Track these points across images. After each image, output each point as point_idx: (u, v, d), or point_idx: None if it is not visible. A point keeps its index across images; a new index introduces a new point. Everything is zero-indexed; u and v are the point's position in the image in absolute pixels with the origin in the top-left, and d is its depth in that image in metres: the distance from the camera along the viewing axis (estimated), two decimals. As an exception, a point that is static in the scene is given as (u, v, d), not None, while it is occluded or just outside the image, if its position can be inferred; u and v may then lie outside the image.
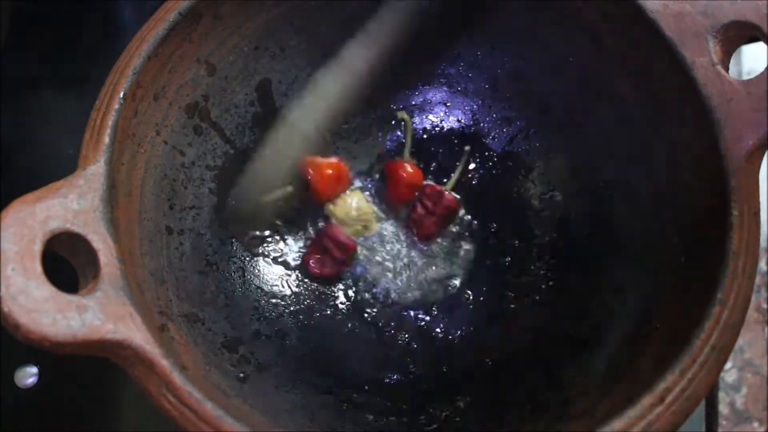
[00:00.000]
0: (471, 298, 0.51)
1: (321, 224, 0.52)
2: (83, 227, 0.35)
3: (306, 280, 0.51)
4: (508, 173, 0.53)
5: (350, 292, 0.52)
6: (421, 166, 0.53)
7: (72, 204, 0.36)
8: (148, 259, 0.42)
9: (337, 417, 0.44)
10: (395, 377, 0.48)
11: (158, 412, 0.35)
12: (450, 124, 0.55)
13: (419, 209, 0.52)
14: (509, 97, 0.53)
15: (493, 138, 0.54)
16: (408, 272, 0.52)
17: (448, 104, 0.55)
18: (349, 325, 0.50)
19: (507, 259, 0.52)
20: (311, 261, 0.51)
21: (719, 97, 0.40)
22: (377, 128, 0.55)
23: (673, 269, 0.42)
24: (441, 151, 0.55)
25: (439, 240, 0.52)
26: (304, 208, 0.52)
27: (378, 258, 0.52)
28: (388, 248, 0.52)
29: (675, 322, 0.40)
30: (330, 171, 0.50)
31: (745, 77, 0.59)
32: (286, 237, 0.52)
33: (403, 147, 0.53)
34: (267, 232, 0.51)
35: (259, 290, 0.49)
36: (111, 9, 0.66)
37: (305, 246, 0.51)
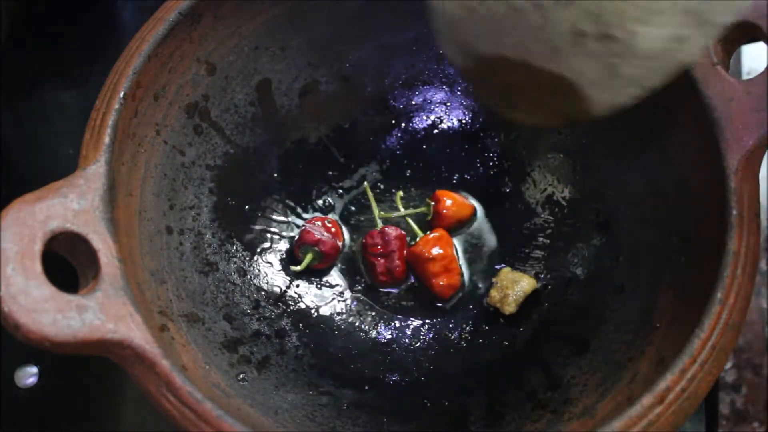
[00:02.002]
0: (471, 298, 0.51)
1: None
2: (83, 227, 0.35)
3: (306, 280, 0.51)
4: (508, 173, 0.53)
5: (352, 294, 0.52)
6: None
7: (72, 204, 0.36)
8: (148, 259, 0.42)
9: (337, 417, 0.44)
10: (395, 377, 0.48)
11: (158, 412, 0.35)
12: (450, 124, 0.55)
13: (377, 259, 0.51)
14: (509, 97, 0.53)
15: (493, 138, 0.54)
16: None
17: (448, 104, 0.55)
18: (350, 325, 0.50)
19: (506, 259, 0.52)
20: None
21: (719, 97, 0.40)
22: (377, 128, 0.55)
23: (673, 269, 0.42)
24: (441, 150, 0.55)
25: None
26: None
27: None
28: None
29: (675, 322, 0.40)
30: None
31: (745, 77, 0.59)
32: (283, 235, 0.52)
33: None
34: None
35: (259, 290, 0.49)
36: (111, 9, 0.66)
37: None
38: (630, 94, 0.31)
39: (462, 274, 0.51)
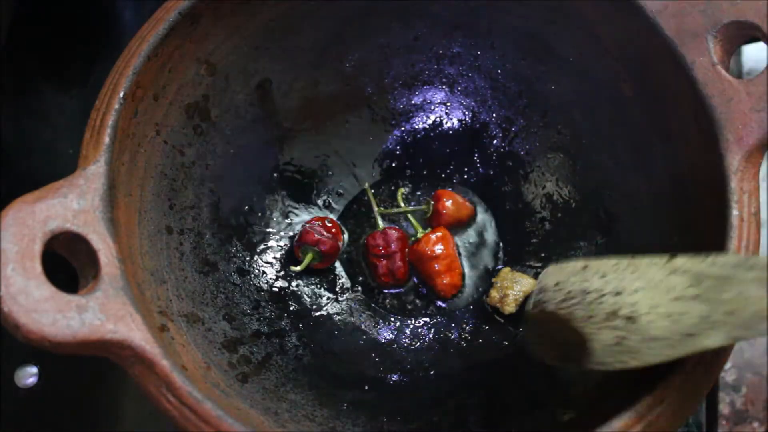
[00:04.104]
0: (471, 298, 0.51)
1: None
2: (83, 227, 0.35)
3: (306, 280, 0.51)
4: (508, 173, 0.53)
5: (352, 294, 0.52)
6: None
7: (72, 204, 0.36)
8: (148, 259, 0.42)
9: (337, 417, 0.44)
10: (395, 377, 0.48)
11: (158, 412, 0.35)
12: (450, 124, 0.55)
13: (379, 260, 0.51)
14: (509, 98, 0.53)
15: (493, 138, 0.54)
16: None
17: (448, 104, 0.55)
18: (350, 325, 0.50)
19: (505, 259, 0.52)
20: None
21: (719, 97, 0.40)
22: (377, 128, 0.55)
23: (673, 269, 0.42)
24: (441, 150, 0.55)
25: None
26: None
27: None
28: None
29: (675, 322, 0.40)
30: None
31: (745, 77, 0.59)
32: (282, 235, 0.52)
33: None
34: None
35: (259, 290, 0.49)
36: (111, 9, 0.66)
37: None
38: (624, 361, 0.36)
39: (463, 274, 0.51)
